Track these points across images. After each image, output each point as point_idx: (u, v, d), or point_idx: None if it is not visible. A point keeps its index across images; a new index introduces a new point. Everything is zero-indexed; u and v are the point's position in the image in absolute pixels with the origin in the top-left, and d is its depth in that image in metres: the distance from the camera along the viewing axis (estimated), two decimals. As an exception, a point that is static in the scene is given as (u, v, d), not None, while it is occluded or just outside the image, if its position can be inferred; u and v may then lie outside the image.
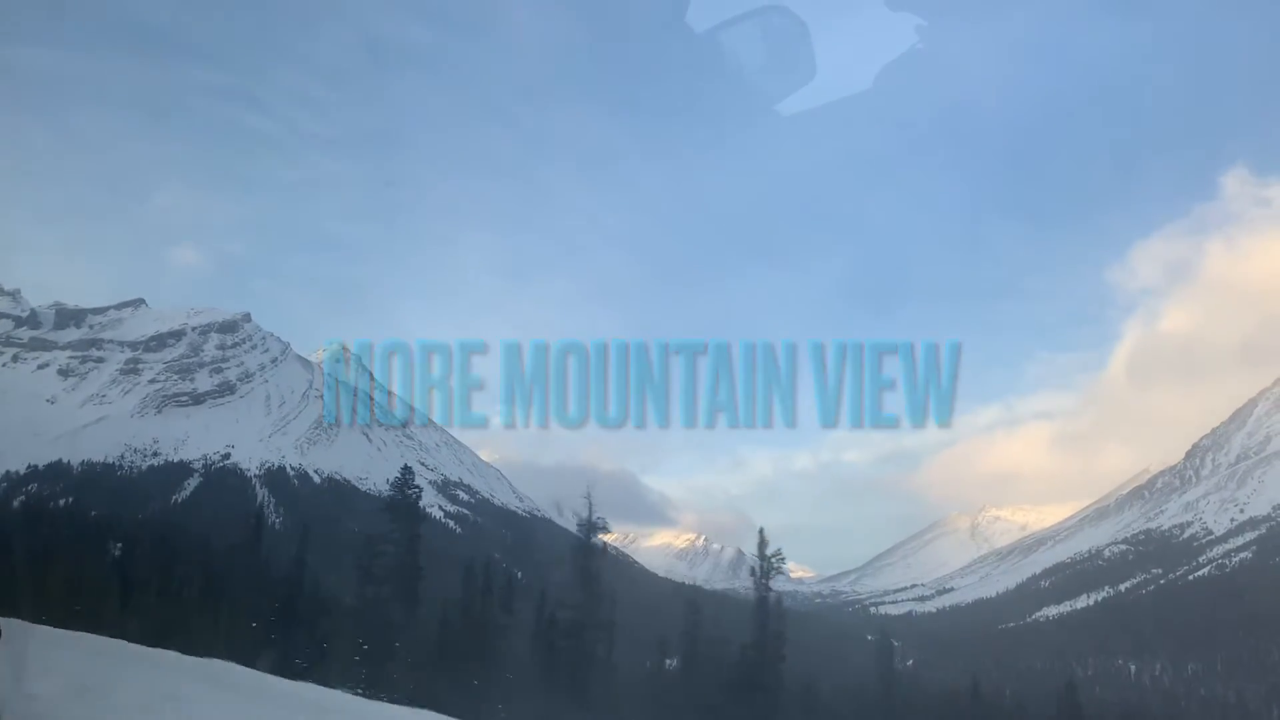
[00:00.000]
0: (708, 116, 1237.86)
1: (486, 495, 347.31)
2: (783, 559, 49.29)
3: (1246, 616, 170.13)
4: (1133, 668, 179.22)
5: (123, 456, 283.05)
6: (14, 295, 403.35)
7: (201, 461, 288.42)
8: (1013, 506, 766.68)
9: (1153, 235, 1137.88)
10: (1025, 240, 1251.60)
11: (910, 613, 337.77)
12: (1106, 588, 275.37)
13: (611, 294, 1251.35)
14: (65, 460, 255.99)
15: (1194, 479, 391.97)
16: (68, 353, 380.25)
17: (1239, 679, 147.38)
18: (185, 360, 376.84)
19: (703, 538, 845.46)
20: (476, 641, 46.29)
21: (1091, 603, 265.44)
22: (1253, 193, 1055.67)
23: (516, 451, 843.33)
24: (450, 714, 30.45)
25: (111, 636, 30.19)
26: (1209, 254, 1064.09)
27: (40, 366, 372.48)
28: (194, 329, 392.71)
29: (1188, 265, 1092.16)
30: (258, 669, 31.75)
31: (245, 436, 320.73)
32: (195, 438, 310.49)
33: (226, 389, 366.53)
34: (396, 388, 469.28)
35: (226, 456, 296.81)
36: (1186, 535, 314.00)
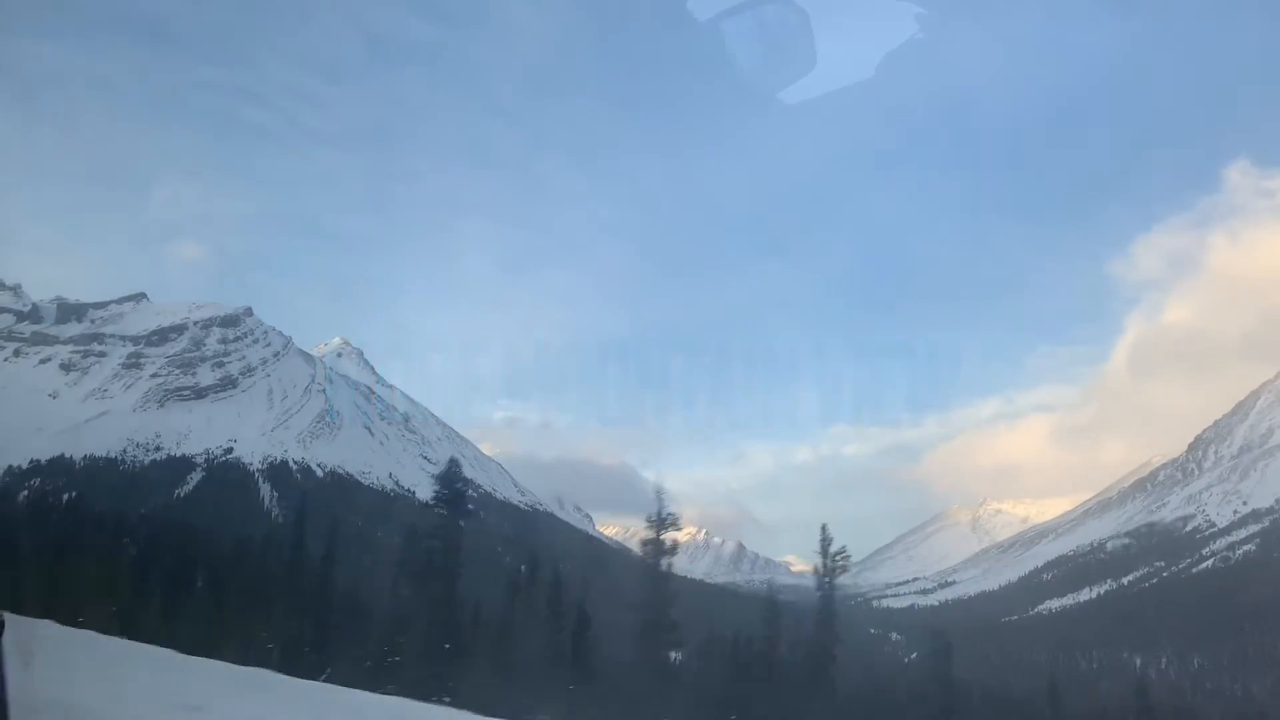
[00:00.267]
0: (708, 109, 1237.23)
1: (489, 489, 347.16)
2: (847, 556, 47.59)
3: (1251, 609, 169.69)
4: (1138, 661, 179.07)
5: (125, 451, 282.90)
6: (15, 290, 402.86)
7: (204, 456, 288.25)
8: (1014, 500, 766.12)
9: (1155, 228, 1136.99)
10: (1027, 233, 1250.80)
11: (912, 606, 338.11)
12: (1109, 581, 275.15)
13: (612, 288, 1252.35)
14: (68, 455, 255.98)
15: (1196, 472, 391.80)
16: (69, 347, 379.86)
17: (1246, 673, 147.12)
18: (187, 354, 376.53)
19: (704, 531, 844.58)
20: (531, 644, 45.29)
21: (1094, 596, 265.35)
22: (1256, 185, 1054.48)
23: (517, 445, 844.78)
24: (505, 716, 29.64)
25: (127, 638, 29.80)
26: (1212, 247, 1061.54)
27: (42, 361, 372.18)
28: (196, 323, 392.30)
29: (1190, 258, 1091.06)
30: (300, 673, 31.28)
31: (248, 430, 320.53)
32: (198, 432, 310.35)
33: (229, 383, 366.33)
34: (398, 381, 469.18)
35: (229, 451, 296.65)
36: (1189, 528, 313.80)
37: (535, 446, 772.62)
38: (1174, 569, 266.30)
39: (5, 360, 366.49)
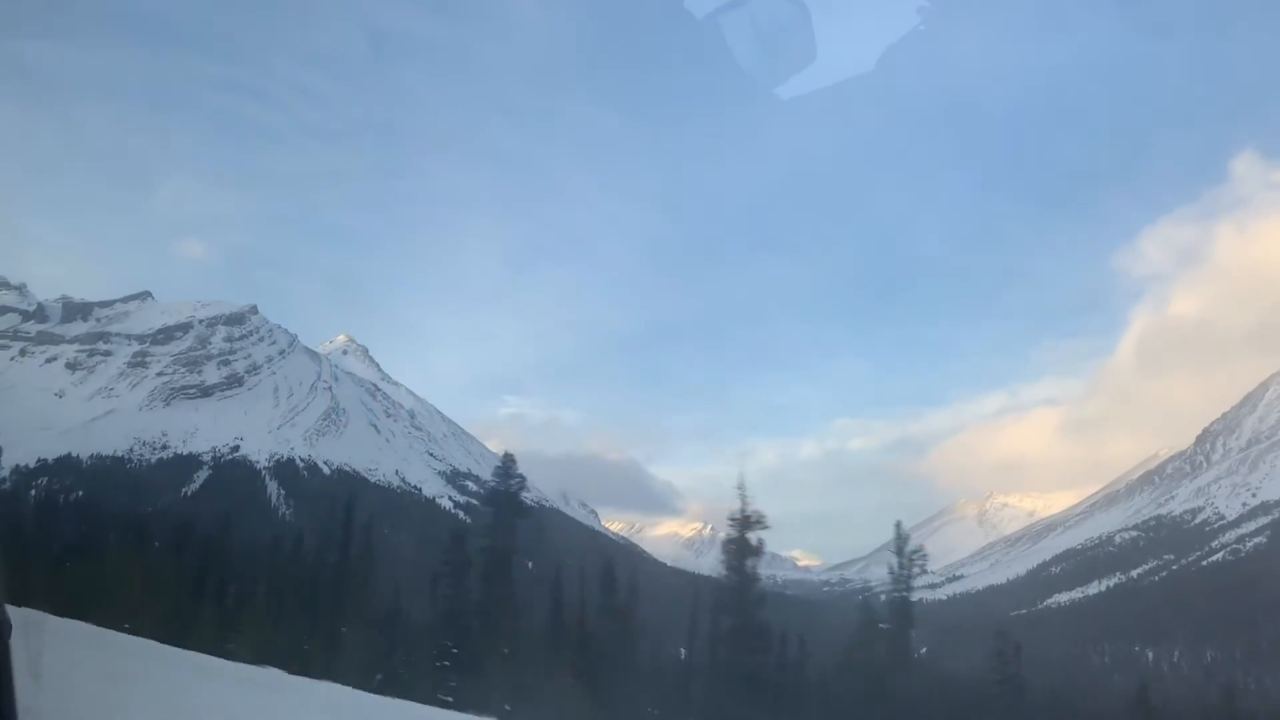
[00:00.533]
0: (710, 105, 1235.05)
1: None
2: (925, 556, 45.45)
3: (1263, 602, 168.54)
4: (1150, 654, 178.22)
5: (132, 450, 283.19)
6: (20, 289, 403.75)
7: (210, 454, 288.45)
8: (1020, 493, 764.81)
9: (1161, 220, 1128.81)
10: (1031, 226, 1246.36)
11: (920, 600, 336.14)
12: (1118, 574, 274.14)
13: (616, 283, 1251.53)
14: (74, 454, 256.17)
15: (1205, 464, 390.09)
16: (75, 346, 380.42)
17: (1260, 666, 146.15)
18: (193, 353, 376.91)
19: (709, 527, 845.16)
20: (589, 651, 43.80)
21: (1103, 589, 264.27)
22: (1263, 176, 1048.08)
23: (523, 442, 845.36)
24: None
25: (140, 637, 29.20)
26: (1218, 238, 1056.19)
27: (48, 360, 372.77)
28: (201, 321, 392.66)
29: (1197, 250, 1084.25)
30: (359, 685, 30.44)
31: (254, 428, 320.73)
32: (204, 430, 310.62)
33: (234, 381, 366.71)
34: (403, 378, 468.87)
35: (235, 449, 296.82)
36: (1198, 520, 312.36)
37: (541, 443, 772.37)
38: (1184, 562, 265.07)
39: (11, 360, 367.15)
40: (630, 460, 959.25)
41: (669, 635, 65.60)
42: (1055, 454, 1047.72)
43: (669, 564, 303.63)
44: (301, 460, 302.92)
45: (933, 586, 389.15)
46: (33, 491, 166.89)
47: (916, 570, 44.45)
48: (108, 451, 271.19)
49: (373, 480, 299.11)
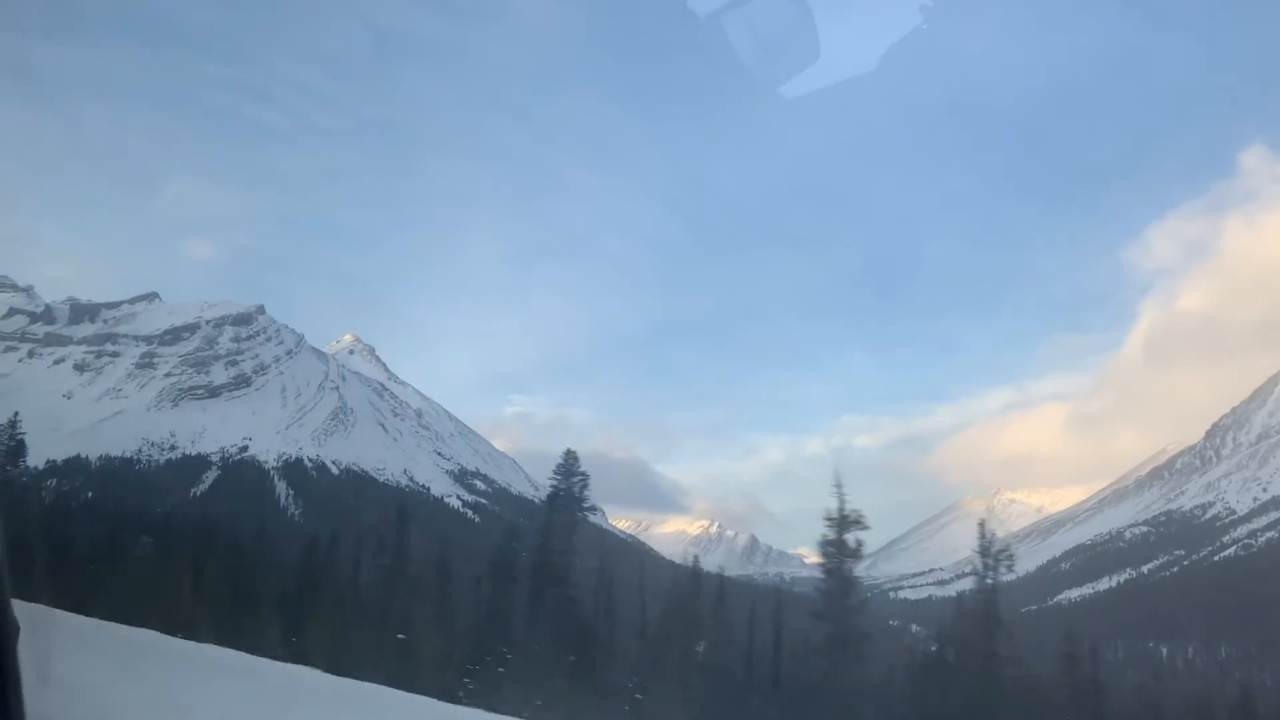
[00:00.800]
0: (714, 103, 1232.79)
1: (503, 484, 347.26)
2: (1011, 556, 43.17)
3: (1277, 597, 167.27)
4: (1164, 651, 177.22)
5: (140, 450, 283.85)
6: (28, 291, 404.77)
7: (219, 454, 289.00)
8: (1028, 489, 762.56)
9: (1169, 214, 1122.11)
10: (1038, 221, 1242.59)
11: (930, 597, 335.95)
12: (1129, 570, 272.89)
13: (621, 282, 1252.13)
14: (83, 455, 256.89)
15: (1214, 459, 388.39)
16: (83, 348, 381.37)
17: (1275, 661, 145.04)
18: (200, 353, 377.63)
19: (716, 524, 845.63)
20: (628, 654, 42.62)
21: (1114, 585, 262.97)
22: (1271, 170, 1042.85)
23: (529, 440, 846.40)
24: None
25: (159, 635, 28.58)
26: (1227, 232, 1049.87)
27: (56, 362, 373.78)
28: (208, 322, 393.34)
29: (1205, 244, 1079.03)
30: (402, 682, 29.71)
31: (262, 428, 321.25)
32: (212, 430, 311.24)
33: (242, 381, 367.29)
34: (410, 378, 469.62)
35: (244, 449, 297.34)
36: (1209, 516, 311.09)
37: (547, 441, 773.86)
38: (1195, 557, 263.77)
39: (19, 361, 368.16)
40: (636, 458, 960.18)
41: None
42: (1063, 449, 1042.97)
43: (677, 562, 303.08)
44: (310, 460, 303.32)
45: (942, 583, 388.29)
46: (42, 493, 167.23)
47: (1003, 570, 42.30)
48: (116, 453, 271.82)
49: (381, 480, 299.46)
